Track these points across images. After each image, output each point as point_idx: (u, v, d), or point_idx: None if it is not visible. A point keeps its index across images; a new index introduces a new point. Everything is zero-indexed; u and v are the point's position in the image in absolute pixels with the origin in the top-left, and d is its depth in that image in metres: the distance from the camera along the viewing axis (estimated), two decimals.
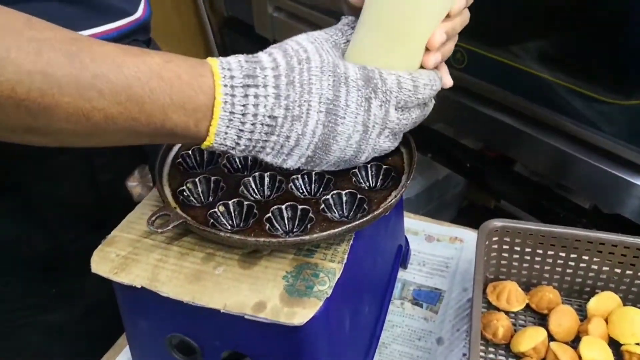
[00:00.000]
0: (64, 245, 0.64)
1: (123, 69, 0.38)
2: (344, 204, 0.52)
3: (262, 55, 0.44)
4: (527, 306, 0.68)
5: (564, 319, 0.65)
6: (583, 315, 0.67)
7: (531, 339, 0.62)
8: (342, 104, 0.44)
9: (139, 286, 0.47)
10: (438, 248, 0.79)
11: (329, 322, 0.46)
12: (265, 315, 0.43)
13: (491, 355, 0.64)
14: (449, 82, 0.52)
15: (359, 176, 0.55)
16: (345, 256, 0.48)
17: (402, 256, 0.72)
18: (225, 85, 0.41)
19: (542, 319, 0.68)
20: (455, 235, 0.81)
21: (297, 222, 0.51)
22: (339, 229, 0.46)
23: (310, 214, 0.50)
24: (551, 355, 0.61)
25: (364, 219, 0.47)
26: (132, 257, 0.49)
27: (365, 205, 0.51)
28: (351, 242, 0.50)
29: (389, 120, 0.47)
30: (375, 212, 0.48)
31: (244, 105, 0.41)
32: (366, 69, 0.46)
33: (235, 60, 0.43)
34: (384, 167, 0.55)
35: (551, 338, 0.63)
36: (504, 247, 0.69)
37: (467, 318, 0.70)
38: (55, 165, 0.59)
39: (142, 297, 0.47)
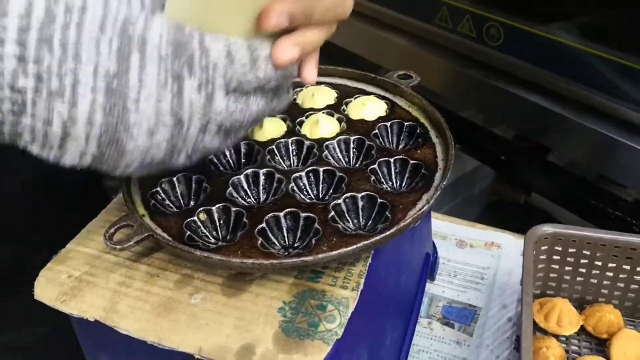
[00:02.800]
0: (27, 255, 0.54)
1: None
2: (360, 211, 0.41)
3: None
4: (582, 329, 0.57)
5: (628, 346, 0.54)
6: None
7: None
8: (134, 81, 0.31)
9: (92, 319, 0.36)
10: (471, 255, 0.67)
11: None
12: None
13: None
14: (309, 75, 0.38)
15: (380, 174, 0.44)
16: (362, 280, 0.37)
17: (429, 266, 0.60)
18: None
19: (599, 345, 0.57)
20: (492, 240, 0.69)
21: (298, 235, 0.39)
22: (354, 246, 0.35)
23: (316, 225, 0.38)
24: None
25: (387, 233, 0.36)
26: (87, 278, 0.39)
27: (387, 213, 0.39)
28: (369, 261, 0.38)
29: (213, 111, 0.33)
30: (402, 224, 0.36)
31: None
32: (181, 31, 0.32)
33: None
34: (412, 162, 0.44)
35: None
36: (554, 257, 0.58)
37: (508, 342, 0.59)
38: (4, 162, 0.49)
39: (100, 329, 0.37)
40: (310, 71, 0.38)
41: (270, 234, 0.39)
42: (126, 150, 0.33)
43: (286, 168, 0.45)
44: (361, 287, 0.37)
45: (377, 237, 0.36)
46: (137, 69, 0.31)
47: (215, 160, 0.46)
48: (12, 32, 0.29)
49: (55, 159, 0.33)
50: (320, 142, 0.46)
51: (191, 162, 0.36)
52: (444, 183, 0.40)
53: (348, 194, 0.41)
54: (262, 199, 0.43)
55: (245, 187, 0.43)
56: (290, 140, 0.47)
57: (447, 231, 0.71)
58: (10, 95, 0.30)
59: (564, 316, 0.57)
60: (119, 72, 0.31)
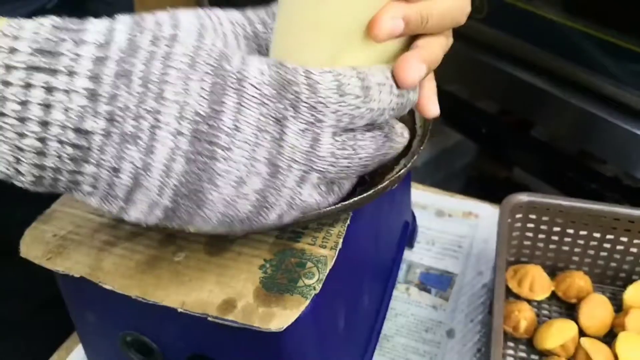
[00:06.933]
0: (12, 227, 0.54)
1: None
2: None
3: (94, 22, 0.26)
4: (553, 294, 0.60)
5: (596, 310, 0.57)
6: (617, 306, 0.58)
7: (560, 334, 0.54)
8: (228, 125, 0.27)
9: (77, 275, 0.37)
10: (449, 225, 0.69)
11: (318, 324, 0.37)
12: (235, 317, 0.34)
13: (510, 351, 0.55)
14: (432, 108, 0.33)
15: None
16: (340, 240, 0.38)
17: (408, 234, 0.62)
18: None
19: (569, 309, 0.59)
20: (470, 210, 0.71)
21: None
22: (333, 207, 0.36)
23: None
24: (582, 354, 0.52)
25: (365, 195, 0.37)
26: (72, 237, 0.40)
27: (366, 177, 0.40)
28: (348, 222, 0.40)
29: (317, 156, 0.29)
30: (380, 186, 0.38)
31: (22, 104, 0.24)
32: (283, 68, 0.28)
33: (35, 24, 0.25)
34: None
35: (581, 332, 0.54)
36: (529, 225, 0.60)
37: (482, 307, 0.61)
38: None
39: (86, 287, 0.38)
40: (432, 100, 0.33)
41: None
42: (206, 201, 0.28)
43: None
44: (339, 246, 0.38)
45: (355, 199, 0.37)
46: (233, 111, 0.27)
47: None
48: (86, 63, 0.25)
49: (119, 212, 0.29)
50: None
51: (281, 223, 0.31)
52: (422, 148, 0.41)
53: None
54: None
55: None
56: None
57: (427, 201, 0.73)
58: (75, 139, 0.25)
59: (536, 282, 0.59)
60: (210, 115, 0.26)
